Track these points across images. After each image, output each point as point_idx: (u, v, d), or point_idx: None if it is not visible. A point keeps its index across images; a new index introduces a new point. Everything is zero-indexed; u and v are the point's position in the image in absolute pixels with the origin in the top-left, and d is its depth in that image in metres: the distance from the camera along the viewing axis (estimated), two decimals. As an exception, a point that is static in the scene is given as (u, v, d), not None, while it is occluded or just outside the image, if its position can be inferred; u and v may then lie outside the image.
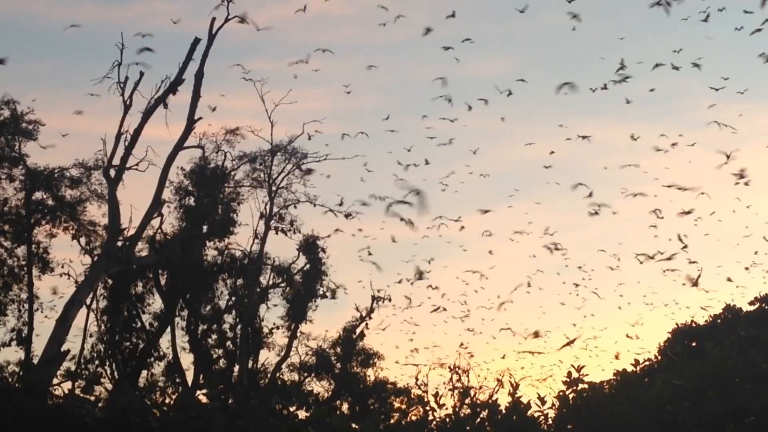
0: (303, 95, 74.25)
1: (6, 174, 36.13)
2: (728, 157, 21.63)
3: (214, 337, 40.33)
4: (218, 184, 39.95)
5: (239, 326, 39.50)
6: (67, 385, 36.08)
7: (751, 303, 36.68)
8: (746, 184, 21.65)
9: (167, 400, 31.15)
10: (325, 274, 40.71)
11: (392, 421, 13.47)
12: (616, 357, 27.09)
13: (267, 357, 41.31)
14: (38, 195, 36.78)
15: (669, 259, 23.21)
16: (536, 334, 26.29)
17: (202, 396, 34.34)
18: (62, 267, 37.04)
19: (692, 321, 36.77)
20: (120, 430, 11.48)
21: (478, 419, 12.20)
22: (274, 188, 40.43)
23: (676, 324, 36.73)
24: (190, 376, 38.54)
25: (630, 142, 27.39)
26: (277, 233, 40.40)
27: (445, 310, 34.66)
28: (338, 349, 41.78)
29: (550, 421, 12.77)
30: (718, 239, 33.10)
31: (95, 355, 38.16)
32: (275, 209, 40.36)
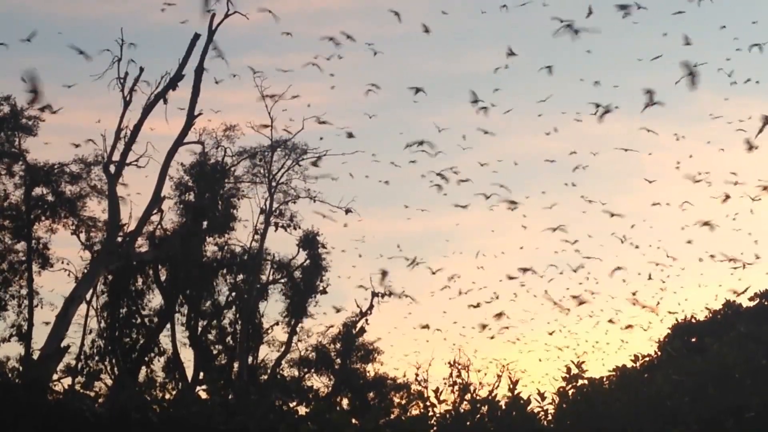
0: (303, 90, 74.11)
1: (6, 169, 36.15)
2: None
3: (214, 332, 40.36)
4: (218, 179, 39.93)
5: (239, 322, 39.53)
6: (67, 381, 36.19)
7: (751, 299, 36.63)
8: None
9: (167, 396, 31.16)
10: (326, 269, 40.78)
11: (392, 417, 13.47)
12: None
13: (267, 353, 41.39)
14: (38, 191, 36.79)
15: None
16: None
17: (202, 391, 34.46)
18: (62, 263, 37.17)
19: (692, 317, 36.71)
20: (120, 426, 11.49)
21: (478, 415, 12.20)
22: (274, 184, 40.47)
23: (676, 320, 36.68)
24: (189, 372, 38.60)
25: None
26: (276, 229, 40.45)
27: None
28: (338, 345, 41.80)
29: (549, 417, 12.78)
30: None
31: (95, 350, 38.18)
32: (275, 205, 40.44)
